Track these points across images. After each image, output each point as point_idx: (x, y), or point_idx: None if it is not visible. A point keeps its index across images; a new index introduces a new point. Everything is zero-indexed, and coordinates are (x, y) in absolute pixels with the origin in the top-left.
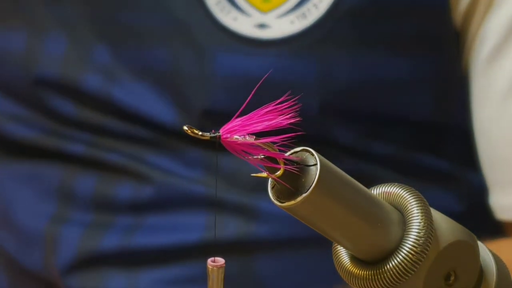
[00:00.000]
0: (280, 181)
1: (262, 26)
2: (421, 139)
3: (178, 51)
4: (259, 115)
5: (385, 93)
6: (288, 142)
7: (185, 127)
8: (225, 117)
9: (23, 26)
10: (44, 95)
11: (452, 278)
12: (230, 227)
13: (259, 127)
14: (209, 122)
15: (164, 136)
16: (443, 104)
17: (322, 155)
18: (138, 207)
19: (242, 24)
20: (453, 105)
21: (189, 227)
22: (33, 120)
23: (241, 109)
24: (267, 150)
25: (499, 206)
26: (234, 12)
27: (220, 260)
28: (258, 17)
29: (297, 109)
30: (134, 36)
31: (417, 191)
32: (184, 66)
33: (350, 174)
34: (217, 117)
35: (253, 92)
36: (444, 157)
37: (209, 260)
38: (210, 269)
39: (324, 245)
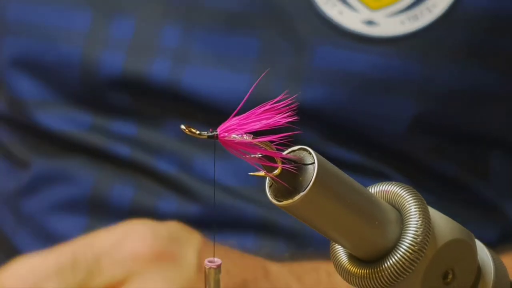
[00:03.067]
0: (278, 180)
1: (370, 23)
2: (477, 162)
3: (272, 40)
4: (256, 113)
5: (473, 106)
6: (286, 141)
7: (182, 126)
8: (320, 113)
9: (88, 5)
10: (102, 84)
11: (450, 276)
12: (281, 249)
13: (257, 126)
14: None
15: None
16: (510, 122)
17: (393, 165)
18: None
19: (349, 18)
20: None
21: (238, 249)
22: (79, 112)
23: (239, 107)
24: (265, 149)
25: None
26: (340, 6)
27: (217, 260)
28: (367, 14)
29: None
30: (214, 19)
31: (414, 190)
32: (278, 55)
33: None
34: (312, 111)
35: (250, 90)
36: (490, 184)
37: (206, 260)
38: (207, 269)
39: None
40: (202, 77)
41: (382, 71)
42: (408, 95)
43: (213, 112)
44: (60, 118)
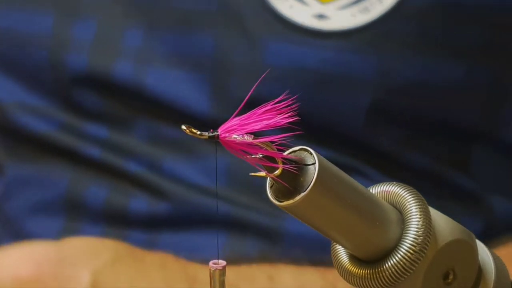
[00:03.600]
0: (279, 180)
1: (321, 16)
2: (453, 152)
3: (225, 38)
4: (257, 114)
5: (436, 97)
6: (287, 141)
7: (183, 127)
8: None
9: (50, 8)
10: (69, 83)
11: (451, 277)
12: (251, 249)
13: (258, 126)
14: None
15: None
16: (490, 114)
17: (365, 159)
18: (152, 223)
19: (300, 13)
20: (501, 116)
21: (207, 247)
22: (53, 112)
23: (239, 108)
24: (266, 149)
25: None
26: (291, 0)
27: (222, 262)
28: (318, 8)
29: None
30: (175, 19)
31: (415, 190)
32: (231, 53)
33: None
34: (260, 101)
35: (250, 93)
36: (472, 176)
37: (211, 262)
38: (212, 271)
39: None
40: (165, 77)
41: (335, 66)
42: (363, 88)
43: (178, 112)
44: (34, 119)
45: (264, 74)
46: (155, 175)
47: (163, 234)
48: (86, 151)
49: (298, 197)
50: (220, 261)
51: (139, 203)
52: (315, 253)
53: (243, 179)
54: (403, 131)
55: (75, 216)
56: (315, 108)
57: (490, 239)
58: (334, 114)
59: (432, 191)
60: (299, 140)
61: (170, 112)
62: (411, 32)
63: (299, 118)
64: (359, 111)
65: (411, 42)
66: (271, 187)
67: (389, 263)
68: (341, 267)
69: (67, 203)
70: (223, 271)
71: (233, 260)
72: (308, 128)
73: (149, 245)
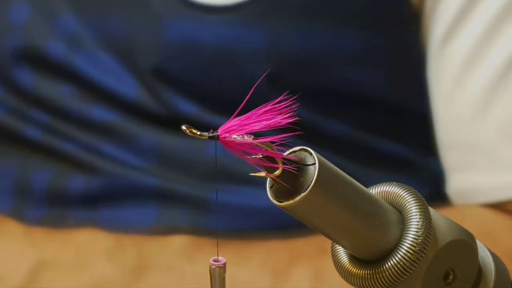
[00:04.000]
0: (279, 180)
1: None
2: (376, 121)
3: (132, 19)
4: (257, 114)
5: (336, 67)
6: (287, 142)
7: (183, 127)
8: (174, 80)
9: None
10: (5, 64)
11: (451, 277)
12: (181, 219)
13: (258, 126)
14: (159, 83)
15: (121, 116)
16: (397, 84)
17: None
18: (90, 200)
19: None
20: (411, 86)
21: (139, 220)
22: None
23: (239, 108)
24: (266, 149)
25: (456, 191)
26: None
27: (222, 259)
28: None
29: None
30: (97, 5)
31: (415, 190)
32: (137, 34)
33: None
34: (166, 79)
35: (251, 91)
36: (401, 142)
37: (211, 260)
38: (212, 269)
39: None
40: (93, 59)
41: (228, 40)
42: (256, 60)
43: (107, 93)
44: None
45: (262, 77)
46: (91, 155)
47: (100, 210)
48: (30, 134)
49: (298, 198)
50: (220, 258)
51: (77, 182)
52: (239, 223)
53: (173, 158)
54: (318, 102)
55: (22, 199)
56: (215, 82)
57: (442, 202)
58: (231, 87)
59: (364, 161)
60: (208, 113)
61: (101, 94)
62: (297, 3)
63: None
64: (253, 83)
65: (298, 13)
66: (271, 187)
67: (389, 264)
68: (341, 268)
69: (16, 187)
70: (223, 268)
71: (164, 231)
72: (213, 103)
73: (89, 222)
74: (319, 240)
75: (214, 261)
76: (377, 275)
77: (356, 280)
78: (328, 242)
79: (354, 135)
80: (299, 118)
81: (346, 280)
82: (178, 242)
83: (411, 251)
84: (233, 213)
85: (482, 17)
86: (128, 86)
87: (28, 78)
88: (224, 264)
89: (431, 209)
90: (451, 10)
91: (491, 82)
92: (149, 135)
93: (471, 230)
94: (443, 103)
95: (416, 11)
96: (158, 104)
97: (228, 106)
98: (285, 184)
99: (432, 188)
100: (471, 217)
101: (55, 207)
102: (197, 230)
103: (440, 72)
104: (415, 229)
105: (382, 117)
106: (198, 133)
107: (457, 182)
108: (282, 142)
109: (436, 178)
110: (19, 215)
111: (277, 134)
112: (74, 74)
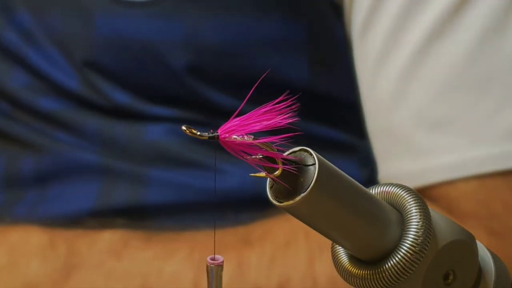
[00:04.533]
0: (279, 180)
1: None
2: (310, 110)
3: (68, 15)
4: (257, 114)
5: (256, 55)
6: (287, 142)
7: (183, 127)
8: (106, 71)
9: None
10: None
11: (451, 277)
12: (121, 194)
13: (258, 126)
14: (94, 75)
15: (67, 105)
16: (321, 72)
17: (198, 119)
18: (40, 179)
19: None
20: (335, 75)
21: (83, 196)
22: None
23: (239, 108)
24: (266, 150)
25: (383, 178)
26: None
27: (219, 258)
28: None
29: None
30: (45, 2)
31: (415, 191)
32: (72, 29)
33: None
34: (100, 70)
35: (251, 92)
36: (340, 128)
37: (209, 258)
38: (209, 267)
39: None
40: (43, 53)
41: (148, 33)
42: (175, 52)
43: (55, 85)
44: None
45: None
46: (40, 138)
47: (49, 189)
48: None
49: (298, 198)
50: (217, 256)
51: (29, 163)
52: (178, 198)
53: (115, 142)
54: (237, 90)
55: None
56: (142, 74)
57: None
58: (156, 77)
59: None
60: (141, 101)
61: (49, 84)
62: None
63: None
64: (177, 72)
65: (215, 3)
66: (271, 187)
67: (389, 264)
68: (341, 268)
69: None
70: (220, 267)
71: (105, 209)
72: (143, 93)
73: (41, 201)
74: (245, 232)
75: (211, 259)
76: (377, 276)
77: (356, 280)
78: (254, 235)
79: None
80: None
81: (346, 280)
82: (107, 238)
83: (411, 252)
84: (173, 189)
85: (393, 7)
86: (71, 78)
87: None
88: (221, 262)
89: (431, 210)
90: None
91: (404, 70)
92: (92, 122)
93: None
94: (366, 91)
95: (337, 1)
96: (96, 94)
97: (157, 95)
98: (285, 185)
99: (371, 172)
100: None
101: (10, 191)
102: (137, 204)
103: (362, 60)
104: (415, 230)
105: (310, 104)
106: (198, 133)
107: (383, 169)
108: (282, 142)
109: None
110: None
111: (276, 135)
112: (27, 64)
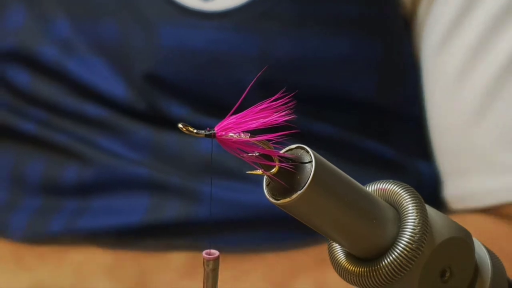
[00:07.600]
0: (275, 178)
1: None
2: (366, 124)
3: (126, 25)
4: (254, 112)
5: (326, 72)
6: (283, 140)
7: (179, 125)
8: (167, 84)
9: None
10: (2, 65)
11: (448, 274)
12: (173, 209)
13: (254, 124)
14: (150, 88)
15: (113, 113)
16: (388, 88)
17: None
18: (82, 190)
19: None
20: (402, 91)
21: (132, 209)
22: None
23: (235, 106)
24: (262, 147)
25: (453, 197)
26: None
27: (215, 252)
28: None
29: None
30: (90, 10)
31: (412, 188)
32: (131, 39)
33: None
34: (160, 83)
35: (248, 88)
36: (391, 145)
37: (204, 253)
38: (205, 261)
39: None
40: (85, 63)
41: (219, 45)
42: (248, 66)
43: (99, 96)
44: None
45: (253, 81)
46: (84, 146)
47: (93, 200)
48: (23, 127)
49: (294, 195)
50: (212, 251)
51: (71, 172)
52: (231, 213)
53: (164, 152)
54: (306, 105)
55: (18, 191)
56: (207, 87)
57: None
58: (224, 91)
59: (346, 160)
60: (200, 115)
61: (93, 94)
62: (287, 9)
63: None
64: (245, 87)
65: (290, 19)
66: (267, 185)
67: (386, 261)
68: (338, 265)
69: (12, 178)
70: (216, 261)
71: (154, 223)
72: (206, 108)
73: (81, 212)
74: (318, 251)
75: (207, 253)
76: (374, 273)
77: (353, 277)
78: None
79: (343, 136)
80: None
81: (343, 278)
82: (176, 257)
83: (408, 249)
84: (223, 205)
85: (477, 24)
86: (118, 90)
87: (24, 78)
88: (217, 257)
89: (427, 207)
90: (445, 17)
91: (487, 88)
92: (141, 130)
93: None
94: (438, 109)
95: (407, 19)
96: (148, 107)
97: (221, 111)
98: (282, 182)
99: (425, 191)
100: (470, 223)
101: (49, 197)
102: (188, 220)
103: (435, 78)
104: (412, 227)
105: (372, 121)
106: (195, 131)
107: (454, 187)
108: (279, 140)
109: (425, 182)
110: (14, 206)
111: (273, 132)
112: (66, 77)
